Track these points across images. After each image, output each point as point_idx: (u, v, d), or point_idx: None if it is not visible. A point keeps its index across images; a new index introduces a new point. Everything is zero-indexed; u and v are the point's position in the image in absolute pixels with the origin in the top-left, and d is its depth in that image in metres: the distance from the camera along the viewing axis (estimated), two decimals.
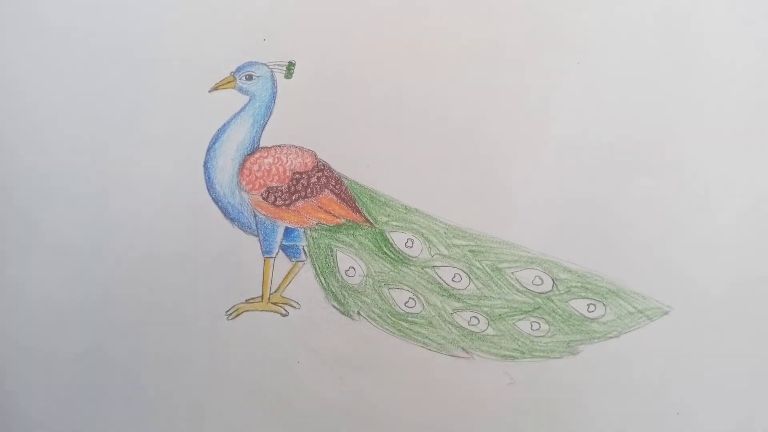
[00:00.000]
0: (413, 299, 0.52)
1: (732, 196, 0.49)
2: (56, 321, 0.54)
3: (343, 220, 0.52)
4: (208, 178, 0.52)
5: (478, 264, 0.51)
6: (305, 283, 0.52)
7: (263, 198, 0.52)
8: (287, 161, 0.52)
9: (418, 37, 0.50)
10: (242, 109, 0.52)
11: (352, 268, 0.52)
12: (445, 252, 0.51)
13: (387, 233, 0.52)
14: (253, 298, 0.52)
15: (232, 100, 0.52)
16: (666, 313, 0.49)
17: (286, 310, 0.52)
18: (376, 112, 0.51)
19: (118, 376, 0.53)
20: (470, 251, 0.51)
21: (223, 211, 0.52)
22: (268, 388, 0.52)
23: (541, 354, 0.51)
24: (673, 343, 0.50)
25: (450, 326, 0.52)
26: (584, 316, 0.51)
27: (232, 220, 0.52)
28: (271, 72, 0.51)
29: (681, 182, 0.49)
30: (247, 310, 0.52)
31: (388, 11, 0.50)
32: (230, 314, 0.52)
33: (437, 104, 0.50)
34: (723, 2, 0.48)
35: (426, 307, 0.52)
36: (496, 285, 0.51)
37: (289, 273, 0.52)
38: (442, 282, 0.52)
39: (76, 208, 0.53)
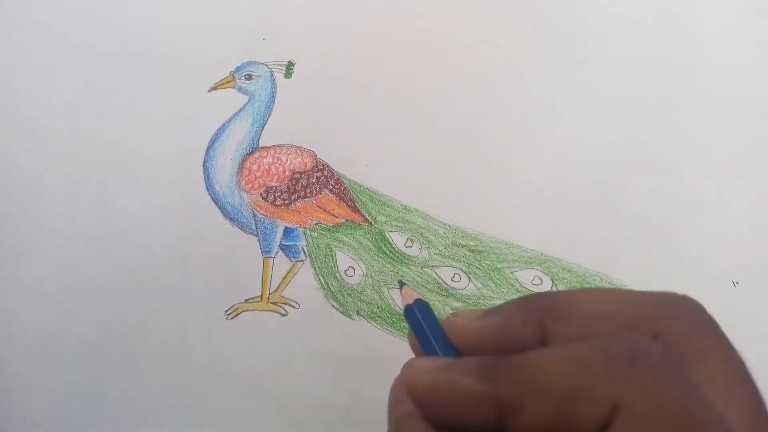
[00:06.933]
0: None
1: (732, 196, 0.49)
2: (55, 320, 0.54)
3: (343, 220, 0.52)
4: (208, 177, 0.52)
5: (477, 264, 0.51)
6: (305, 283, 0.52)
7: (262, 198, 0.52)
8: (287, 161, 0.52)
9: (418, 38, 0.50)
10: (242, 109, 0.51)
11: (352, 267, 0.52)
12: (445, 252, 0.51)
13: (386, 233, 0.52)
14: (252, 298, 0.52)
15: (231, 99, 0.52)
16: None
17: (285, 310, 0.52)
18: (376, 112, 0.51)
19: (118, 376, 0.53)
20: (470, 251, 0.51)
21: (222, 211, 0.52)
22: (268, 387, 0.52)
23: None
24: None
25: None
26: None
27: (231, 219, 0.52)
28: (271, 72, 0.51)
29: (681, 182, 0.49)
30: (247, 310, 0.52)
31: (389, 11, 0.50)
32: (229, 314, 0.52)
33: (437, 104, 0.50)
34: (723, 2, 0.48)
35: None
36: (496, 284, 0.51)
37: (288, 273, 0.52)
38: (441, 282, 0.52)
39: (74, 207, 0.53)
